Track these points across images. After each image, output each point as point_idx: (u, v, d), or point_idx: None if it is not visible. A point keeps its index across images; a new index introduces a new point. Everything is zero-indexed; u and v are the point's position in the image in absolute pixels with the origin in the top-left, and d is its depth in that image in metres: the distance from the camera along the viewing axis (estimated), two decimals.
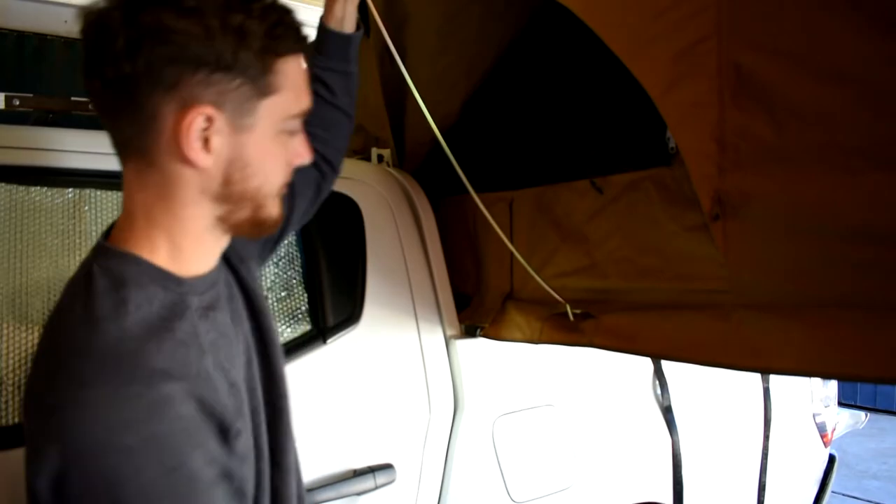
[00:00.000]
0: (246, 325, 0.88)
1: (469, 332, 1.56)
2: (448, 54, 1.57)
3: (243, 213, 0.76)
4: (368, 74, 1.86)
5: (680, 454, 1.79)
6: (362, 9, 1.82)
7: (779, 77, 0.88)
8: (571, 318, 1.35)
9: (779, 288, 0.99)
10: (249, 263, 0.96)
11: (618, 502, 1.72)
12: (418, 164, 1.71)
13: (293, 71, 0.75)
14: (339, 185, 1.52)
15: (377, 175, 1.62)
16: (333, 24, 1.13)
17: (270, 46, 0.71)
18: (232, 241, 0.84)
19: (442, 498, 1.46)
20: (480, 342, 1.54)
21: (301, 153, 0.80)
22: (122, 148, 0.74)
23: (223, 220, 0.76)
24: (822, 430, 2.23)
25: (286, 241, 1.45)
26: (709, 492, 1.89)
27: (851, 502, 4.28)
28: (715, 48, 0.94)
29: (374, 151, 1.79)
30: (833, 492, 2.33)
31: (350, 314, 1.45)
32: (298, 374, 1.33)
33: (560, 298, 1.37)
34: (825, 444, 2.25)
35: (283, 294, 1.43)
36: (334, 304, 1.44)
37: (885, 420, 5.95)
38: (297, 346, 1.36)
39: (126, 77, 0.67)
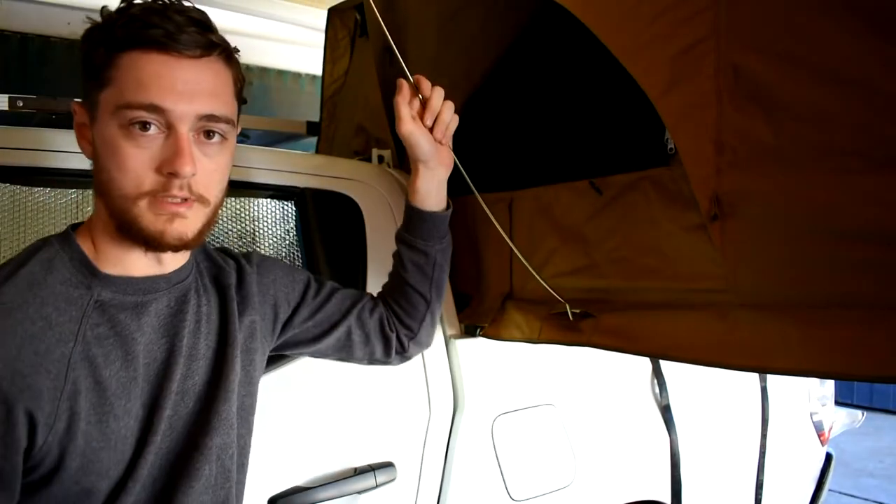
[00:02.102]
0: (200, 349, 0.89)
1: (469, 331, 1.57)
2: (448, 55, 1.57)
3: (112, 212, 0.78)
4: (368, 75, 1.87)
5: (678, 453, 1.80)
6: (362, 9, 1.82)
7: (777, 78, 0.89)
8: (571, 317, 1.36)
9: (776, 288, 1.00)
10: (267, 307, 1.02)
11: (617, 500, 1.73)
12: None
13: (132, 64, 0.76)
14: (340, 186, 1.53)
15: (377, 175, 1.63)
16: (416, 200, 1.12)
17: (113, 44, 0.77)
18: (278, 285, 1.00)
19: (442, 496, 1.46)
20: (480, 342, 1.55)
21: (172, 162, 0.75)
22: None
23: (112, 219, 0.79)
24: (818, 428, 2.24)
25: (287, 241, 1.46)
26: (707, 490, 1.90)
27: (848, 500, 4.30)
28: (713, 49, 0.95)
29: (375, 152, 1.80)
30: (830, 490, 2.34)
31: None
32: (300, 373, 1.34)
33: (560, 297, 1.38)
34: (822, 443, 2.26)
35: None
36: None
37: (881, 419, 5.97)
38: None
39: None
